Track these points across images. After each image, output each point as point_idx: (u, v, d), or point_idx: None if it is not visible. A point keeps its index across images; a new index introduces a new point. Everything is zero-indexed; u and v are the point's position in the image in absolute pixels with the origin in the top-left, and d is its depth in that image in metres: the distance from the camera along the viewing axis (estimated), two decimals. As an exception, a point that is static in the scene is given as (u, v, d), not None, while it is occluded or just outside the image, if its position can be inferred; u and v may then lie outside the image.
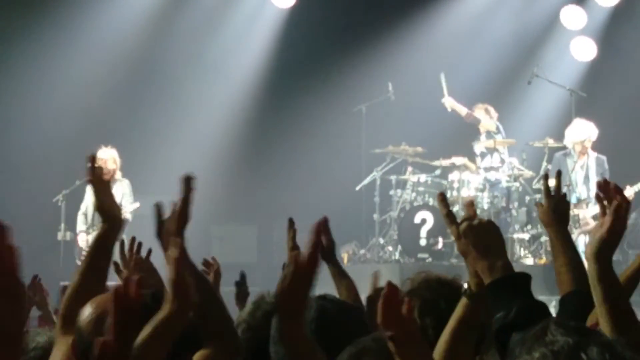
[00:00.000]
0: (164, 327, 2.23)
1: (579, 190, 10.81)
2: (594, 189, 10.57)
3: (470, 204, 2.61)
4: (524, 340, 1.72)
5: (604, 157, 10.91)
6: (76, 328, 2.70)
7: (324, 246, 4.55)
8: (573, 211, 10.63)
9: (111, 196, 3.24)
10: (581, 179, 10.81)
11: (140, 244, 4.35)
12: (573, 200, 10.79)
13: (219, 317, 2.68)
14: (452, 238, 2.53)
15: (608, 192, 2.63)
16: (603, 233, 2.51)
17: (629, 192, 10.44)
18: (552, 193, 3.26)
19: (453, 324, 2.61)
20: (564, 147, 11.68)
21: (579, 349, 1.56)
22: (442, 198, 2.55)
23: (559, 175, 3.41)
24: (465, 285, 2.62)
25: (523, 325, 2.19)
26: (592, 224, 10.62)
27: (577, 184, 10.80)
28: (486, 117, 12.22)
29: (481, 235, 2.43)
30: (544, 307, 2.33)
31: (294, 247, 4.62)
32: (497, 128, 12.23)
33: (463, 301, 2.60)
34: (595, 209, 10.60)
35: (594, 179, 10.73)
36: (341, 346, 2.54)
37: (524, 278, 2.38)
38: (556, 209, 3.27)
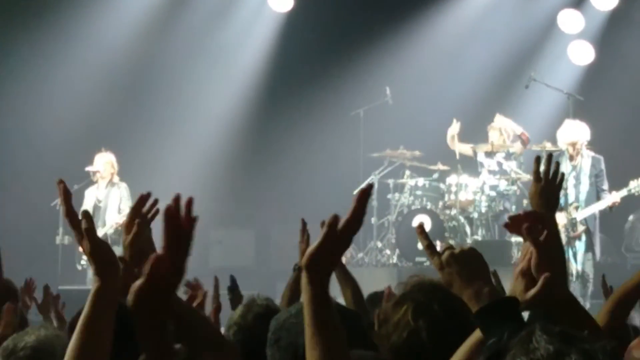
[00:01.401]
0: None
1: (569, 193, 10.68)
2: (584, 192, 10.51)
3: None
4: (511, 346, 1.72)
5: (600, 157, 10.75)
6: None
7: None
8: (570, 214, 10.59)
9: (100, 239, 2.37)
10: (572, 181, 10.68)
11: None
12: (561, 203, 10.69)
13: (209, 330, 2.64)
14: (451, 241, 2.53)
15: (517, 225, 2.61)
16: (534, 262, 2.49)
17: (616, 197, 10.38)
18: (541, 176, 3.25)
19: (463, 356, 2.59)
20: (560, 151, 11.72)
21: (558, 357, 1.55)
22: (421, 231, 2.53)
23: (549, 158, 3.39)
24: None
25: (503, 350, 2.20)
26: (580, 229, 10.58)
27: (567, 187, 10.69)
28: (500, 139, 12.06)
29: (464, 263, 2.42)
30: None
31: (304, 250, 4.60)
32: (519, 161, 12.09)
33: (477, 333, 2.56)
34: (584, 212, 10.58)
35: (585, 182, 10.63)
36: None
37: (512, 302, 2.38)
38: (542, 193, 3.26)
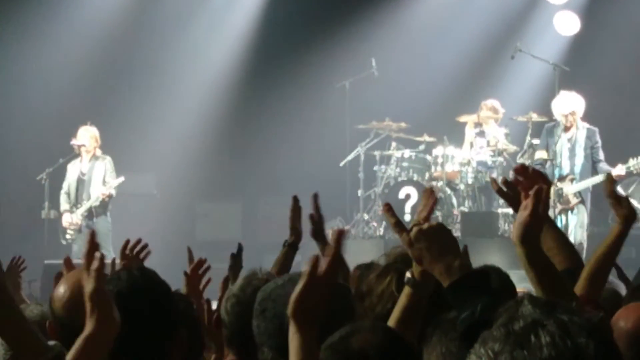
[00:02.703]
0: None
1: (563, 165, 10.68)
2: (579, 165, 10.52)
3: (430, 192, 2.60)
4: (498, 315, 1.71)
5: (595, 129, 10.73)
6: (50, 307, 2.67)
7: (315, 222, 4.53)
8: (556, 185, 10.60)
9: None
10: (567, 153, 10.66)
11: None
12: (555, 175, 10.70)
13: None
14: (438, 213, 2.52)
15: (527, 176, 2.61)
16: (526, 217, 2.52)
17: (621, 170, 10.37)
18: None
19: (398, 314, 2.61)
20: (546, 122, 11.72)
21: (532, 329, 1.54)
22: (388, 209, 2.52)
23: (538, 192, 3.31)
24: (408, 274, 2.62)
25: (490, 321, 2.19)
26: (574, 201, 10.58)
27: (561, 158, 10.67)
28: (495, 127, 12.04)
29: (433, 238, 2.41)
30: (509, 297, 2.32)
31: (294, 226, 4.58)
32: (506, 135, 12.08)
33: (407, 290, 2.61)
34: (581, 184, 10.58)
35: (580, 154, 10.61)
36: (325, 327, 2.54)
37: (484, 274, 2.37)
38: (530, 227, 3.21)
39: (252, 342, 2.79)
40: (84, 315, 2.11)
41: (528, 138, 11.67)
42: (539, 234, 2.57)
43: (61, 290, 2.65)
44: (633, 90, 13.43)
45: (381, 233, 12.14)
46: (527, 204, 2.54)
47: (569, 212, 10.57)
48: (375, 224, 12.31)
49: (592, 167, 10.58)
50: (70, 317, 2.56)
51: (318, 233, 4.51)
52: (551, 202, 10.47)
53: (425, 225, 2.42)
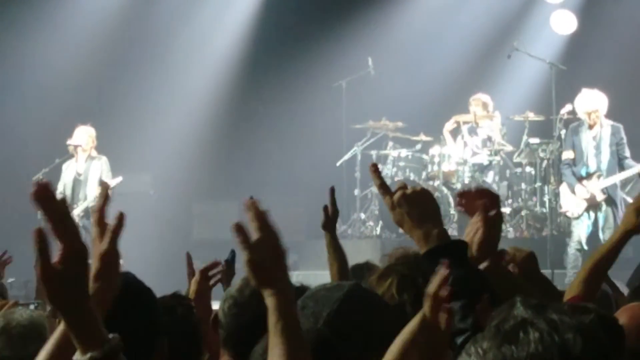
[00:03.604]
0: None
1: (590, 163, 10.60)
2: (605, 162, 10.54)
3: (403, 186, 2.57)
4: (493, 316, 1.72)
5: (619, 125, 10.64)
6: None
7: (328, 215, 4.56)
8: (582, 183, 10.56)
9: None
10: (592, 151, 10.58)
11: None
12: (582, 173, 10.62)
13: None
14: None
15: (470, 197, 2.61)
16: (480, 236, 2.52)
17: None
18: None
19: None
20: (543, 121, 11.74)
21: (521, 327, 1.55)
22: (375, 169, 2.53)
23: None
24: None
25: (459, 293, 2.19)
26: (601, 197, 10.53)
27: (587, 156, 10.60)
28: (489, 124, 12.04)
29: (415, 204, 2.41)
30: (480, 275, 2.33)
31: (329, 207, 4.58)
32: (502, 132, 12.09)
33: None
34: (605, 181, 10.54)
35: (606, 151, 10.54)
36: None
37: (460, 246, 2.37)
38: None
39: (248, 343, 2.78)
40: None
41: (525, 137, 11.68)
42: (495, 247, 2.57)
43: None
44: (630, 89, 13.43)
45: (377, 233, 12.13)
46: (477, 226, 2.55)
47: (598, 211, 10.52)
48: (371, 223, 12.30)
49: (617, 163, 10.54)
50: None
51: (329, 225, 4.54)
52: (580, 199, 10.46)
53: (409, 190, 2.42)
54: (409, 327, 2.45)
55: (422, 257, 2.34)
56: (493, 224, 2.54)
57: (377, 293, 3.11)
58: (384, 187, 2.46)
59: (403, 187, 2.44)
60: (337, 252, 4.57)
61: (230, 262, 4.68)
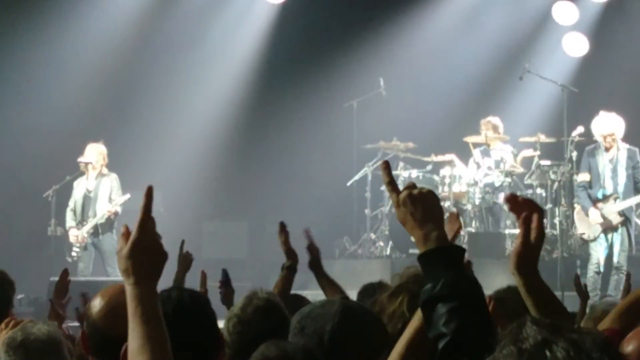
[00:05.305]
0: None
1: (606, 185, 10.57)
2: (622, 184, 10.53)
3: (456, 217, 2.59)
4: (502, 336, 1.71)
5: (636, 149, 10.63)
6: (86, 321, 2.72)
7: (312, 253, 4.63)
8: (597, 206, 10.53)
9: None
10: (609, 173, 10.56)
11: None
12: (599, 196, 10.59)
13: None
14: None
15: (517, 205, 2.60)
16: (517, 246, 2.53)
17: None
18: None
19: (409, 335, 2.59)
20: (555, 143, 11.72)
21: (545, 346, 1.55)
22: (385, 166, 2.54)
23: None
24: None
25: (449, 298, 2.19)
26: (618, 219, 10.49)
27: (604, 179, 10.57)
28: (500, 146, 12.05)
29: (420, 205, 2.42)
30: (473, 281, 2.32)
31: (288, 250, 4.68)
32: (514, 155, 12.09)
33: (419, 312, 2.57)
34: (624, 204, 10.50)
35: (622, 174, 10.51)
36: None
37: (457, 251, 2.36)
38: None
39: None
40: (121, 326, 2.22)
41: (536, 159, 11.66)
42: (534, 262, 2.57)
43: (98, 301, 2.73)
44: (641, 111, 13.42)
45: (387, 253, 12.11)
46: (519, 234, 2.55)
47: (614, 232, 10.49)
48: (381, 243, 12.28)
49: (634, 187, 10.52)
50: (107, 326, 2.65)
51: (315, 263, 4.63)
52: (595, 222, 10.43)
53: (416, 190, 2.42)
54: (411, 328, 2.47)
55: (418, 258, 2.34)
56: (533, 238, 2.53)
57: (362, 304, 3.14)
58: (392, 184, 2.48)
59: (411, 186, 2.45)
60: (332, 287, 4.60)
61: (225, 281, 4.69)
